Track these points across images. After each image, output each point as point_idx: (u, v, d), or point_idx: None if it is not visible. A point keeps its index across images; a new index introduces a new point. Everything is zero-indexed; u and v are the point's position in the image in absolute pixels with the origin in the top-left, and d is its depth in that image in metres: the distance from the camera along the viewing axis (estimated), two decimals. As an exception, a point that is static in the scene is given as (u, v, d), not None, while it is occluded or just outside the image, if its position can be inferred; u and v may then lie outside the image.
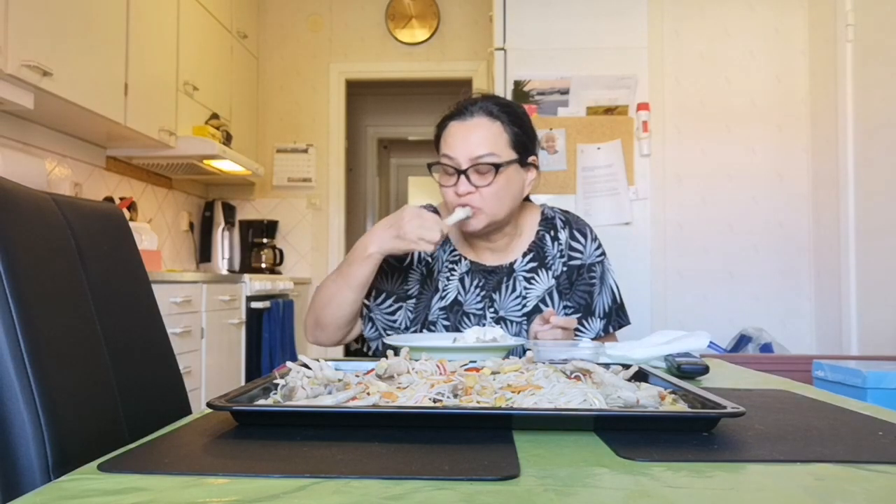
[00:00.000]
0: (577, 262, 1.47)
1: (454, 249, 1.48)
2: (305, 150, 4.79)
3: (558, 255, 1.46)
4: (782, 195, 3.32)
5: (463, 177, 1.35)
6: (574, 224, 1.50)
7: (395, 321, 1.46)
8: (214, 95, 3.96)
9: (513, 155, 1.38)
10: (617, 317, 1.49)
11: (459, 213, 1.33)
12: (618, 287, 1.51)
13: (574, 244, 1.47)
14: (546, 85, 3.32)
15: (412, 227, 1.26)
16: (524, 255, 1.46)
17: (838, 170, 3.02)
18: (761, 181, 3.32)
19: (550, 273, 1.46)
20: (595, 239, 1.50)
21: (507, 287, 1.43)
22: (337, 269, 1.43)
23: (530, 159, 1.42)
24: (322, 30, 4.83)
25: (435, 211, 1.53)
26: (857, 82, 2.92)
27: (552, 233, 1.48)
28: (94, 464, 0.57)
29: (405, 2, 4.79)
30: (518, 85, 3.33)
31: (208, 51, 3.89)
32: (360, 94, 5.99)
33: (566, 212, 1.54)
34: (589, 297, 1.47)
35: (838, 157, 3.02)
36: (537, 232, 1.48)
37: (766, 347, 3.00)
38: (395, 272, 1.47)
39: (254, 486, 0.50)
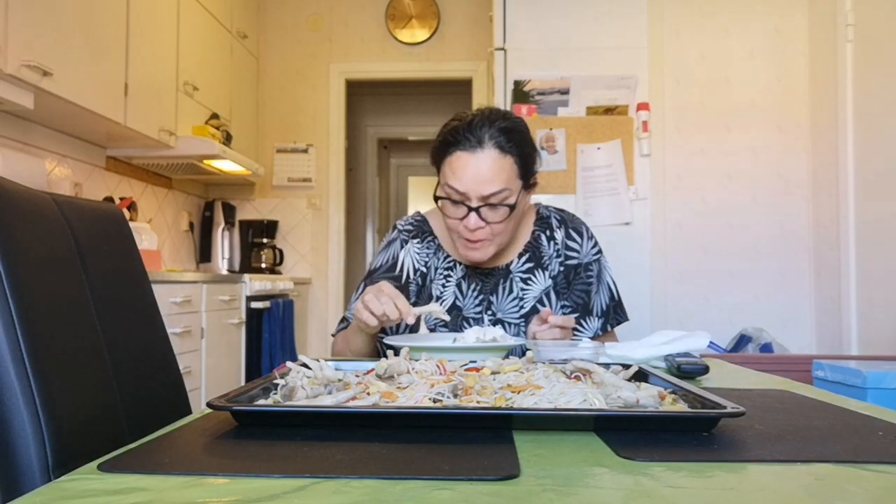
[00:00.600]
0: (574, 262, 1.46)
1: (448, 255, 1.46)
2: (305, 150, 4.79)
3: (554, 254, 1.45)
4: (782, 195, 3.32)
5: (474, 213, 1.31)
6: (570, 223, 1.49)
7: None
8: (214, 95, 3.96)
9: (520, 184, 1.35)
10: (615, 314, 1.49)
11: (434, 307, 1.28)
12: (615, 284, 1.50)
13: (570, 243, 1.46)
14: (546, 85, 3.32)
15: (363, 301, 1.22)
16: (520, 255, 1.46)
17: (838, 170, 3.02)
18: (761, 181, 3.32)
19: (547, 273, 1.45)
20: (591, 237, 1.49)
21: (503, 289, 1.43)
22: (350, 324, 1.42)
23: (532, 180, 1.40)
24: (322, 30, 4.83)
25: (423, 220, 1.52)
26: (857, 82, 2.92)
27: (548, 232, 1.47)
28: (94, 464, 0.57)
29: (405, 2, 4.79)
30: (518, 85, 3.33)
31: (208, 51, 3.89)
32: (360, 94, 5.99)
33: (562, 210, 1.52)
34: (586, 296, 1.46)
35: (838, 157, 3.02)
36: (532, 232, 1.47)
37: (766, 347, 3.00)
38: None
39: (254, 486, 0.50)
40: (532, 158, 1.38)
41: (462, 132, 1.32)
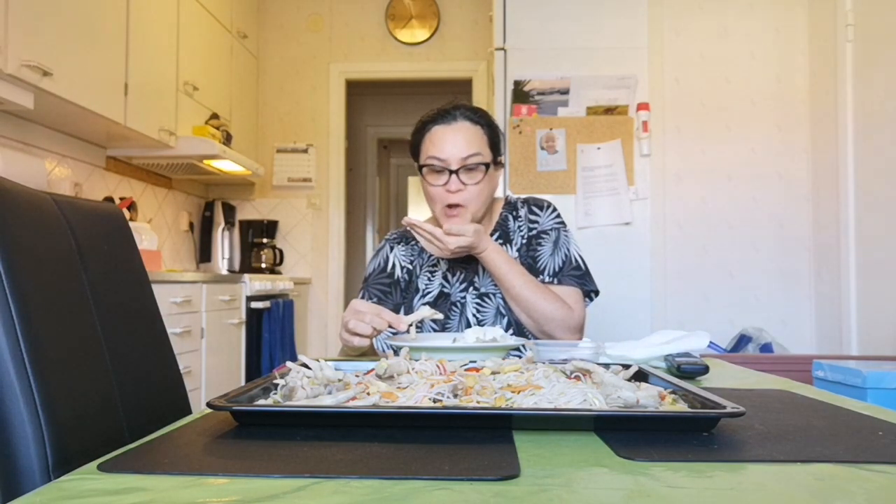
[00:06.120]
0: (534, 232, 1.57)
1: (430, 255, 1.57)
2: (305, 150, 4.79)
3: (518, 229, 1.57)
4: (782, 195, 3.32)
5: (454, 176, 1.46)
6: (532, 201, 1.61)
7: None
8: (214, 95, 3.96)
9: (491, 155, 1.51)
10: (580, 282, 1.52)
11: (425, 311, 1.29)
12: (581, 257, 1.56)
13: (532, 217, 1.58)
14: (546, 85, 3.32)
15: (348, 329, 1.23)
16: (491, 235, 1.56)
17: (838, 170, 3.01)
18: (761, 181, 3.32)
19: (514, 246, 1.56)
20: (553, 210, 1.59)
21: (482, 267, 1.52)
22: None
23: (499, 158, 1.56)
24: (322, 30, 4.83)
25: (397, 238, 1.62)
26: (857, 82, 2.92)
27: (514, 213, 1.60)
28: (94, 464, 0.57)
29: (405, 2, 4.78)
30: (518, 85, 3.32)
31: (208, 51, 3.89)
32: (360, 94, 5.99)
33: (529, 196, 1.65)
34: (535, 253, 1.54)
35: (838, 157, 3.01)
36: (501, 213, 1.60)
37: (766, 347, 3.00)
38: (391, 293, 1.56)
39: (254, 486, 0.50)
40: (498, 135, 1.55)
41: (437, 112, 1.53)
